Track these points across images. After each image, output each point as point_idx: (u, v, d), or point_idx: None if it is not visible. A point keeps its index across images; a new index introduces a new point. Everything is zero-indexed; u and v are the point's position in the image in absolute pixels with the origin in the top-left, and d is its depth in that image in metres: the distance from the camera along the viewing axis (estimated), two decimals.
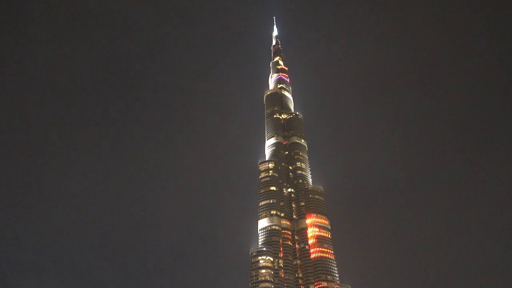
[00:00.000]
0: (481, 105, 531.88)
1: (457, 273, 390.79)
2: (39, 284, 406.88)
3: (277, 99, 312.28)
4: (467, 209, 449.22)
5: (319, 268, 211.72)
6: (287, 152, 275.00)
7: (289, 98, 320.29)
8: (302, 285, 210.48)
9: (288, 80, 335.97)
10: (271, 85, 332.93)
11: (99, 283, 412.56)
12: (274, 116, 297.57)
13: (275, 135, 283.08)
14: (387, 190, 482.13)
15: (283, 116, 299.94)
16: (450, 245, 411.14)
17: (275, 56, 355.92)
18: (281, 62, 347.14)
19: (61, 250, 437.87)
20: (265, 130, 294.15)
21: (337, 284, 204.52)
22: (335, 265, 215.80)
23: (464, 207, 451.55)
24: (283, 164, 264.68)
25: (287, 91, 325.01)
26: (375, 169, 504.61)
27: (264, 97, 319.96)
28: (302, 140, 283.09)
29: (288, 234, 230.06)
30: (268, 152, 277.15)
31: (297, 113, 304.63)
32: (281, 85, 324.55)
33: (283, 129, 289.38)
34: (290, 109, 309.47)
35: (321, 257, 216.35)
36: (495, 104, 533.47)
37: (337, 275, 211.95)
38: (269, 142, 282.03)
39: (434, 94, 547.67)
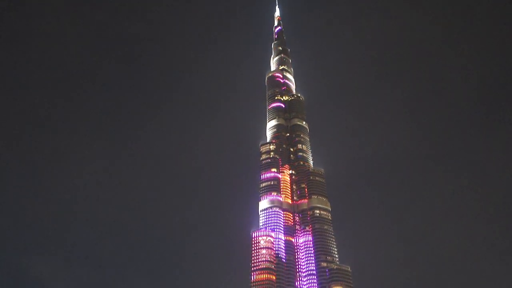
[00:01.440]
0: (485, 86, 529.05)
1: (458, 253, 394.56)
2: (44, 262, 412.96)
3: (279, 80, 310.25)
4: (469, 190, 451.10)
5: (319, 249, 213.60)
6: (288, 134, 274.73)
7: (291, 80, 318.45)
8: (302, 265, 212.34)
9: (290, 61, 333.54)
10: (273, 67, 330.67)
11: (102, 262, 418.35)
12: (276, 98, 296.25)
13: (276, 117, 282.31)
14: (388, 172, 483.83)
15: (285, 98, 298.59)
16: (452, 226, 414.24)
17: (277, 37, 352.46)
18: (282, 44, 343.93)
19: (65, 230, 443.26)
20: (266, 112, 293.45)
21: (337, 265, 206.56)
22: (335, 246, 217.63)
23: (467, 188, 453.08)
24: (284, 146, 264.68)
25: (289, 72, 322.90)
26: (376, 151, 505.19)
27: (266, 78, 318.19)
28: (304, 122, 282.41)
29: (289, 215, 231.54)
30: (269, 134, 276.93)
31: (299, 95, 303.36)
32: (282, 67, 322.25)
33: (285, 111, 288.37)
34: (291, 91, 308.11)
35: (321, 238, 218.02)
36: (500, 84, 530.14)
37: (337, 256, 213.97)
38: (270, 124, 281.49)
39: (438, 75, 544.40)
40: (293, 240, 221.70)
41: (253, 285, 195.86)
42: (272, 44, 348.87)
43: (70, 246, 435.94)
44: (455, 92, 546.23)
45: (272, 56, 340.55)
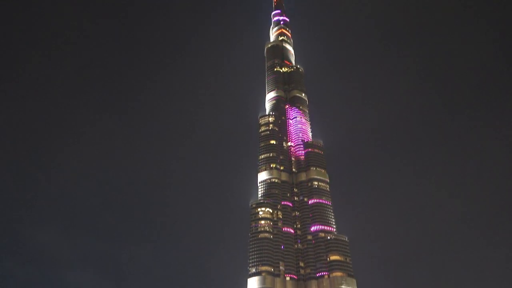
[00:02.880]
0: (490, 53, 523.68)
1: (455, 224, 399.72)
2: (45, 232, 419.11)
3: (278, 51, 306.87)
4: (467, 163, 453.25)
5: (317, 219, 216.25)
6: (287, 106, 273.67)
7: (290, 51, 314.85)
8: (300, 235, 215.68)
9: (289, 32, 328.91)
10: (272, 37, 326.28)
11: (103, 232, 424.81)
12: (275, 69, 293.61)
13: (276, 89, 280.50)
14: (387, 144, 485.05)
15: (284, 69, 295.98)
16: (450, 198, 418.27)
17: (276, 7, 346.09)
18: (282, 14, 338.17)
19: (69, 202, 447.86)
20: (265, 83, 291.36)
21: (335, 235, 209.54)
22: (332, 217, 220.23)
23: (465, 161, 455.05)
24: (283, 117, 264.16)
25: (288, 43, 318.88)
26: (376, 123, 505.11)
27: (265, 49, 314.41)
28: (303, 94, 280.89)
29: (287, 187, 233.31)
30: (268, 105, 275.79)
31: (298, 66, 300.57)
32: (282, 38, 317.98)
33: (284, 83, 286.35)
34: (291, 62, 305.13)
35: (319, 209, 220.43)
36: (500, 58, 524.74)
37: (334, 226, 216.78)
38: (270, 96, 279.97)
39: (438, 47, 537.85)
40: (291, 211, 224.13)
41: (251, 255, 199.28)
42: (272, 14, 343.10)
43: (71, 216, 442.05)
44: (458, 60, 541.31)
45: (272, 26, 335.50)
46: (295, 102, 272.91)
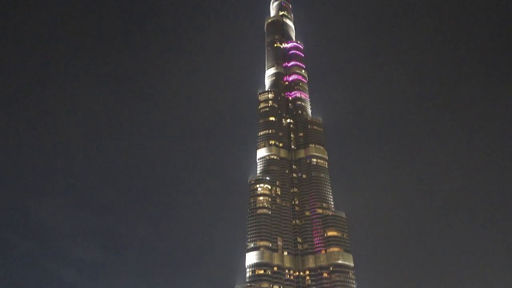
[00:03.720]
0: (489, 31, 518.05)
1: (454, 202, 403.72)
2: (47, 206, 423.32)
3: (278, 27, 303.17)
4: (466, 139, 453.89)
5: (315, 196, 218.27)
6: (287, 82, 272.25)
7: (291, 27, 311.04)
8: (298, 212, 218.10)
9: (290, 7, 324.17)
10: (272, 12, 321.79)
11: (104, 206, 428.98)
12: (275, 45, 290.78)
13: (275, 65, 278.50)
14: (386, 121, 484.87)
15: (284, 45, 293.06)
16: (448, 175, 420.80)
17: None
18: None
19: (70, 174, 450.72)
20: (265, 60, 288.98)
21: (332, 211, 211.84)
22: (330, 194, 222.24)
23: (465, 138, 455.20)
24: (282, 94, 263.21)
25: (289, 19, 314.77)
26: (375, 100, 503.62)
27: (265, 24, 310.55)
28: (303, 71, 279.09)
29: (286, 163, 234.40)
30: (268, 82, 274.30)
31: (299, 42, 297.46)
32: (282, 13, 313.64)
33: (284, 59, 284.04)
34: (291, 38, 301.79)
35: (318, 185, 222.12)
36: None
37: (332, 203, 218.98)
38: (269, 72, 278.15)
39: (443, 21, 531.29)
40: (289, 187, 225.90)
41: (250, 230, 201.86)
42: None
43: (73, 191, 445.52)
44: (459, 38, 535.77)
45: (272, 1, 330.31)
46: (295, 79, 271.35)
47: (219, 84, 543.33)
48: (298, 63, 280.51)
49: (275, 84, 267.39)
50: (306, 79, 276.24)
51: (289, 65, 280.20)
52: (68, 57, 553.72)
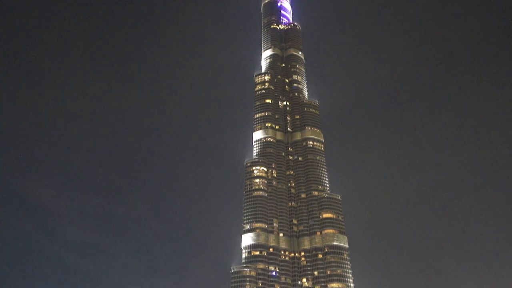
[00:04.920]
0: (487, 17, 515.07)
1: (454, 182, 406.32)
2: (44, 186, 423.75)
3: (275, 8, 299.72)
4: (463, 120, 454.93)
5: (311, 178, 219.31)
6: (283, 65, 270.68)
7: (288, 8, 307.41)
8: (294, 194, 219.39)
9: None
10: None
11: (101, 187, 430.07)
12: (272, 26, 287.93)
13: (272, 47, 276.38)
14: (382, 105, 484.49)
15: (281, 26, 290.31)
16: (445, 157, 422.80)
17: None
18: None
19: (65, 155, 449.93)
20: (261, 41, 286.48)
21: (328, 194, 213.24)
22: (326, 176, 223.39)
23: (466, 120, 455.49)
24: (279, 76, 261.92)
25: None
26: (373, 82, 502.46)
27: (262, 5, 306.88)
28: (300, 52, 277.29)
29: (282, 146, 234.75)
30: (264, 64, 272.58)
31: (296, 23, 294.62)
32: None
33: (280, 40, 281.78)
34: (288, 19, 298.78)
35: (313, 168, 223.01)
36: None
37: (328, 185, 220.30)
38: (266, 54, 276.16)
39: (444, 1, 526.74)
40: (285, 169, 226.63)
41: (246, 212, 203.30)
42: None
43: (70, 171, 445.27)
44: (459, 19, 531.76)
45: None
46: (292, 61, 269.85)
47: (215, 66, 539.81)
48: (295, 44, 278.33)
49: (272, 66, 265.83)
50: (303, 61, 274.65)
51: (285, 47, 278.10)
52: (62, 27, 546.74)
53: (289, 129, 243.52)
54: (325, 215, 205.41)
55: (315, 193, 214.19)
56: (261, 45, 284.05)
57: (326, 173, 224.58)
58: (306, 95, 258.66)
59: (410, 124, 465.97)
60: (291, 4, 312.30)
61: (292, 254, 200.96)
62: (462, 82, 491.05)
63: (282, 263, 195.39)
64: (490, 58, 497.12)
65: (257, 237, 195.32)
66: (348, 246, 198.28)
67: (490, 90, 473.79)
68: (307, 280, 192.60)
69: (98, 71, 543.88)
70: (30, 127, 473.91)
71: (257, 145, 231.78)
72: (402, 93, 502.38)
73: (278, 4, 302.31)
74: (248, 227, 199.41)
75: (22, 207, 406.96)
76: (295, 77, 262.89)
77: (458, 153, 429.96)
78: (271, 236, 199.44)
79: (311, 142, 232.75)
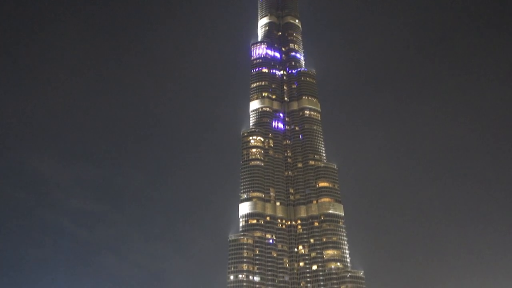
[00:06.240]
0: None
1: (451, 155, 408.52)
2: (43, 158, 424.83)
3: None
4: (467, 95, 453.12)
5: (307, 147, 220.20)
6: (280, 33, 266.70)
7: None
8: (290, 163, 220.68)
9: None
10: None
11: (99, 158, 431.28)
12: None
13: (268, 15, 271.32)
14: (382, 75, 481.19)
15: None
16: (445, 126, 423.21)
17: None
18: None
19: (63, 127, 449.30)
20: (257, 9, 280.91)
21: (324, 163, 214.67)
22: (323, 145, 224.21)
23: (466, 93, 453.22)
24: (276, 45, 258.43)
25: None
26: (371, 52, 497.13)
27: None
28: (297, 21, 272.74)
29: (279, 115, 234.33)
30: (260, 32, 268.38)
31: None
32: None
33: (277, 8, 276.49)
34: None
35: (310, 137, 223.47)
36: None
37: (324, 154, 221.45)
38: (262, 22, 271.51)
39: None
40: (282, 139, 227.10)
41: (243, 182, 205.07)
42: None
43: (68, 143, 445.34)
44: None
45: None
46: (289, 29, 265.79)
47: (211, 35, 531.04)
48: (292, 12, 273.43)
49: (268, 35, 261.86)
50: (300, 29, 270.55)
51: (282, 14, 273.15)
52: (58, 10, 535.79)
53: (285, 98, 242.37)
54: (321, 184, 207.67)
55: (312, 162, 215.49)
56: (257, 13, 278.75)
57: (322, 142, 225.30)
58: (303, 64, 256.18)
59: (406, 94, 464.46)
60: None
61: (289, 223, 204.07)
62: (465, 54, 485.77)
63: (279, 231, 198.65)
64: (497, 28, 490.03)
65: (254, 206, 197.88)
66: (343, 214, 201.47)
67: (495, 61, 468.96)
68: (303, 247, 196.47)
69: (96, 45, 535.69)
70: (29, 98, 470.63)
71: (253, 115, 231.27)
72: (400, 63, 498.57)
73: None
74: (245, 196, 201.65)
75: (22, 178, 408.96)
76: (292, 45, 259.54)
77: (453, 123, 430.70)
78: (268, 205, 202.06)
79: (307, 112, 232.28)
